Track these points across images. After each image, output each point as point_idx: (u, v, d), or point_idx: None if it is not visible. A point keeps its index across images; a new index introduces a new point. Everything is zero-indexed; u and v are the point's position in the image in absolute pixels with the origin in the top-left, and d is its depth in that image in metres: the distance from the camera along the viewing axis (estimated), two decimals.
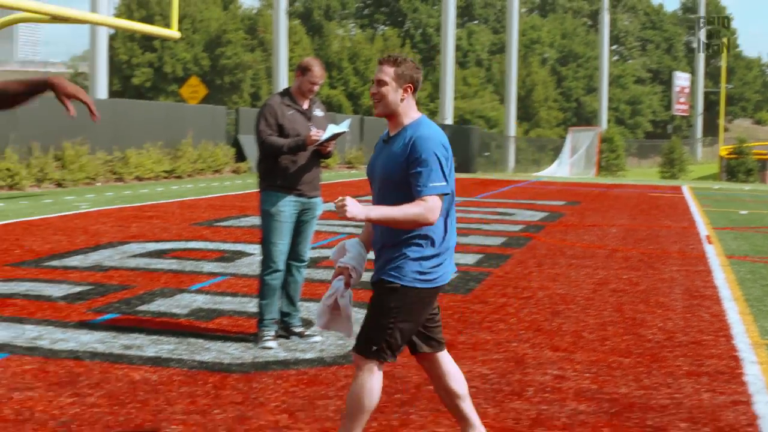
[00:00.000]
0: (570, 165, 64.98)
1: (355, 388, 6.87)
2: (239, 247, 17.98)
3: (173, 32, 26.73)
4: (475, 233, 21.48)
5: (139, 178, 36.67)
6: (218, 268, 15.66)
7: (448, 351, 10.47)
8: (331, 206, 7.37)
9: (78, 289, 13.42)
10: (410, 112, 6.80)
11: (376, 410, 8.25)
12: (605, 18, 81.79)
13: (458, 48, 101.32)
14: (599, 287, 14.98)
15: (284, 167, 10.47)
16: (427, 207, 6.53)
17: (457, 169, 52.55)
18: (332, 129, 10.52)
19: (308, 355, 10.22)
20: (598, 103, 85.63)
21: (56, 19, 22.86)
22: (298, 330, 10.84)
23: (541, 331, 11.70)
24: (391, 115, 6.79)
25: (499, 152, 66.72)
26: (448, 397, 7.14)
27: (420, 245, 6.71)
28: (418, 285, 6.74)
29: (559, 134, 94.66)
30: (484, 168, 59.79)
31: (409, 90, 6.75)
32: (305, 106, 10.70)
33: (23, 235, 18.68)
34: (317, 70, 10.58)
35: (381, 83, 6.73)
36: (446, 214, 6.78)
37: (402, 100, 6.74)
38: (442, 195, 6.59)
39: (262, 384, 9.07)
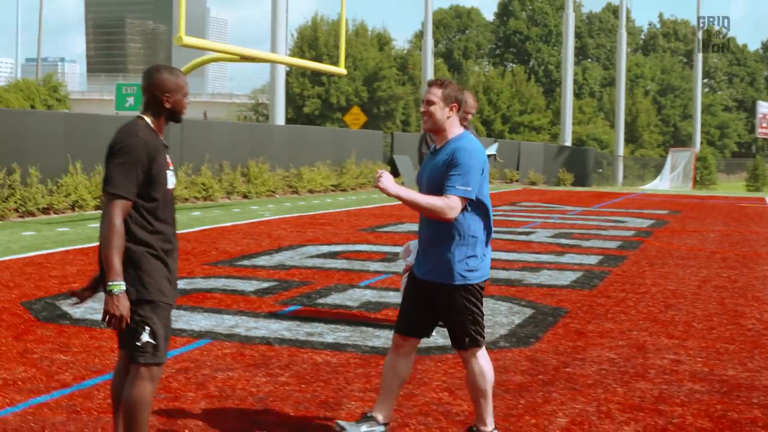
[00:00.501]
0: (670, 180, 64.24)
1: (472, 377, 6.74)
2: (398, 249, 17.88)
3: (340, 69, 26.81)
4: (595, 237, 21.21)
5: (311, 191, 36.84)
6: (382, 267, 15.60)
7: (580, 337, 10.36)
8: None
9: (266, 284, 13.45)
10: (454, 128, 6.68)
11: (521, 389, 8.17)
12: (698, 57, 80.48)
13: (575, 82, 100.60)
14: (703, 284, 14.68)
15: None
16: (448, 204, 6.39)
17: (576, 183, 52.71)
18: (491, 149, 10.44)
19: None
20: (692, 128, 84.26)
21: (244, 58, 23.06)
22: None
23: (657, 322, 11.47)
24: (438, 131, 6.66)
25: (609, 169, 66.17)
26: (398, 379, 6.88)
27: (464, 246, 6.52)
28: (468, 282, 6.54)
29: (659, 154, 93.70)
30: (597, 182, 59.37)
31: (454, 109, 6.63)
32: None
33: (217, 239, 18.82)
34: (471, 101, 10.34)
35: (430, 103, 6.60)
36: (485, 219, 6.64)
37: (448, 117, 6.63)
38: (465, 198, 6.41)
39: (425, 366, 8.98)
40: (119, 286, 5.42)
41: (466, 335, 6.64)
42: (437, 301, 6.64)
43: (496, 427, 6.80)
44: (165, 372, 8.45)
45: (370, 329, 10.60)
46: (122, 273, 5.45)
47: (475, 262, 6.54)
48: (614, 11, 79.66)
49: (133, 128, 5.62)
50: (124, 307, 5.45)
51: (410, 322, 6.80)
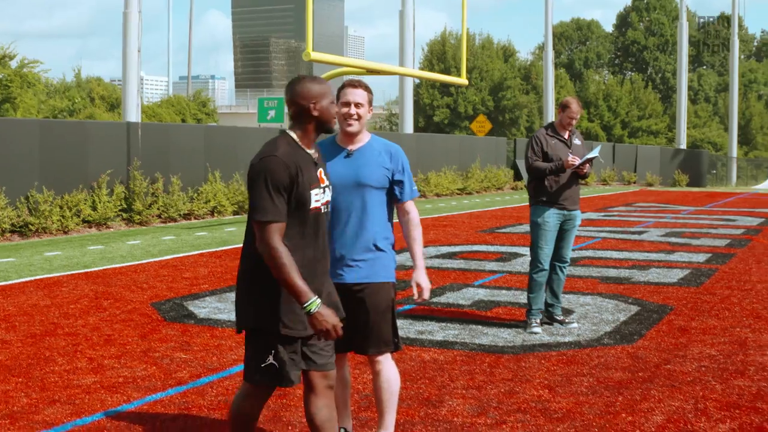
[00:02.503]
0: None
1: (387, 381, 6.12)
2: (515, 249, 17.55)
3: (462, 80, 26.42)
4: (705, 236, 20.55)
5: (437, 195, 36.61)
6: (497, 267, 15.26)
7: (683, 334, 9.92)
8: (587, 216, 6.78)
9: None
10: (365, 130, 6.08)
11: (621, 386, 7.78)
12: None
13: (690, 88, 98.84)
14: None
15: (549, 186, 10.19)
16: (417, 214, 6.22)
17: (690, 184, 51.57)
18: (585, 156, 10.19)
19: (567, 339, 9.75)
20: None
21: (370, 71, 22.85)
22: (559, 318, 10.43)
23: (760, 318, 10.94)
24: (359, 133, 5.98)
25: (723, 170, 64.62)
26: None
27: (390, 249, 6.08)
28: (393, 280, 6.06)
29: None
30: (711, 183, 58.02)
31: (371, 111, 6.04)
32: (566, 136, 10.39)
33: None
34: (574, 106, 10.28)
35: (359, 105, 5.90)
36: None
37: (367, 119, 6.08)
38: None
39: (529, 363, 8.65)
40: (314, 303, 4.87)
41: (395, 336, 6.16)
42: (364, 304, 5.96)
43: None
44: None
45: (479, 327, 10.29)
46: (308, 289, 4.90)
47: (395, 263, 6.13)
48: (728, 20, 77.91)
49: (271, 148, 5.02)
50: (328, 318, 4.91)
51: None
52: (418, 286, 6.13)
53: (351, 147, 6.01)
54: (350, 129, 5.94)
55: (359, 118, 5.93)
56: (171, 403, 7.23)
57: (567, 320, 10.46)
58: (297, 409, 7.06)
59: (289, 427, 6.67)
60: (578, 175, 10.29)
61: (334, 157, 5.97)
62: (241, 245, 5.22)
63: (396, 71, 26.41)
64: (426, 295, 6.14)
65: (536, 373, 8.25)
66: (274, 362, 5.07)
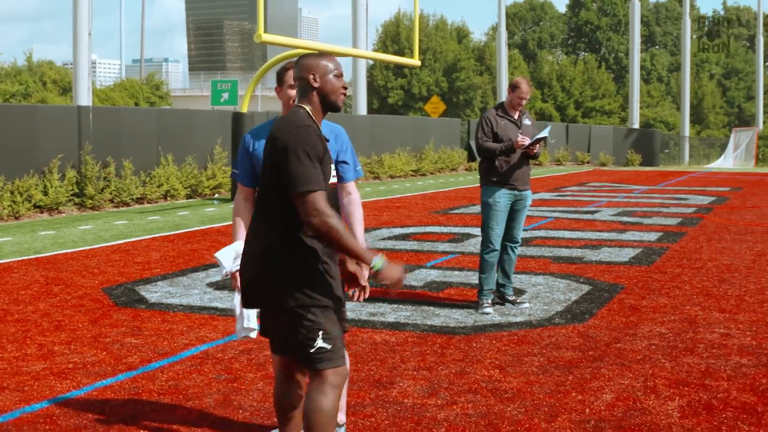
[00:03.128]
0: (734, 158, 62.76)
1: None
2: (467, 230, 17.58)
3: (415, 61, 26.34)
4: (656, 215, 20.69)
5: (391, 176, 36.56)
6: (450, 248, 15.28)
7: (634, 312, 9.97)
8: (541, 196, 6.81)
9: None
10: None
11: (571, 365, 7.81)
12: (760, 40, 78.77)
13: (643, 68, 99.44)
14: (758, 258, 14.15)
15: (499, 166, 10.19)
16: (356, 190, 6.18)
17: (643, 163, 51.90)
18: (535, 136, 10.21)
19: (518, 319, 9.78)
20: (755, 108, 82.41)
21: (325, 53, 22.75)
22: (510, 298, 10.46)
23: (710, 296, 11.02)
24: None
25: (676, 149, 64.93)
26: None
27: None
28: None
29: (725, 134, 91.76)
30: (664, 162, 58.35)
31: None
32: (516, 116, 10.38)
33: None
34: (524, 86, 10.30)
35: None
36: None
37: None
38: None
39: (480, 344, 8.66)
40: (381, 258, 4.79)
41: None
42: None
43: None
44: (228, 353, 8.25)
45: (431, 308, 10.31)
46: (366, 249, 4.86)
47: None
48: (680, 0, 78.27)
49: (297, 119, 4.87)
50: (394, 271, 4.84)
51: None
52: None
53: None
54: None
55: None
56: (121, 388, 7.18)
57: (518, 300, 10.48)
58: (247, 394, 7.04)
59: (240, 411, 6.65)
60: (529, 156, 10.29)
61: None
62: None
63: (349, 53, 26.31)
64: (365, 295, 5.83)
65: (487, 354, 8.27)
66: (323, 345, 4.89)
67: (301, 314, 4.84)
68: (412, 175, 38.26)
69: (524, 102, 10.35)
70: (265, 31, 18.78)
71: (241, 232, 5.84)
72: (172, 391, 7.09)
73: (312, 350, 4.85)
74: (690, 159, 64.30)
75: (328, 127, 5.85)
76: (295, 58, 5.34)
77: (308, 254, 4.87)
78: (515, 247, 10.53)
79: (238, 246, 5.70)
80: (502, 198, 10.18)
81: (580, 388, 7.19)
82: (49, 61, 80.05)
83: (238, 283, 5.69)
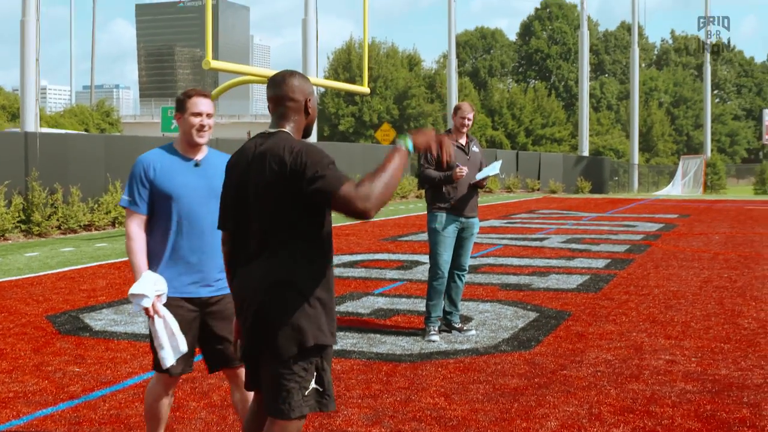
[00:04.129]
0: (682, 185, 63.49)
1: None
2: (416, 257, 17.55)
3: (364, 89, 26.42)
4: (605, 242, 20.77)
5: None
6: (398, 275, 15.25)
7: (581, 339, 9.97)
8: (490, 223, 6.78)
9: None
10: None
11: (517, 393, 7.79)
12: (707, 69, 79.61)
13: (592, 96, 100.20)
14: (704, 284, 14.23)
15: (446, 192, 10.13)
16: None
17: (593, 191, 52.22)
18: (486, 171, 10.28)
19: (464, 346, 9.75)
20: (703, 136, 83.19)
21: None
22: (457, 325, 10.42)
23: (656, 323, 11.06)
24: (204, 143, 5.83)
25: (625, 177, 65.51)
26: None
27: None
28: None
29: (673, 161, 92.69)
30: (614, 189, 58.84)
31: None
32: (463, 142, 10.32)
33: None
34: (465, 106, 10.31)
35: (210, 116, 5.79)
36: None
37: None
38: None
39: (426, 371, 8.62)
40: (404, 136, 4.52)
41: None
42: (221, 315, 5.83)
43: None
44: None
45: (377, 336, 10.25)
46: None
47: None
48: (628, 29, 78.74)
49: (293, 139, 4.60)
50: (429, 134, 4.59)
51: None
52: None
53: (197, 157, 5.84)
54: (201, 140, 5.79)
55: (209, 128, 5.81)
56: (62, 417, 7.07)
57: (465, 328, 10.43)
58: (189, 423, 6.96)
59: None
60: (476, 185, 10.29)
61: (178, 167, 5.77)
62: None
63: None
64: None
65: (433, 381, 8.23)
66: (317, 386, 4.61)
67: (306, 355, 4.55)
68: None
69: (468, 123, 10.27)
70: (216, 58, 18.75)
71: (144, 260, 5.68)
72: (114, 420, 6.99)
73: (306, 393, 4.59)
74: (639, 186, 64.86)
75: (221, 157, 5.86)
76: (206, 91, 5.30)
77: (318, 282, 4.59)
78: (462, 275, 10.50)
79: (149, 275, 5.60)
80: (448, 224, 10.12)
81: (525, 415, 7.16)
82: None
83: (159, 310, 5.56)
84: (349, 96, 75.99)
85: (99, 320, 11.08)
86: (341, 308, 11.95)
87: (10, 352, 9.38)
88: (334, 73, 78.13)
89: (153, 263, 5.72)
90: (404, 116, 79.53)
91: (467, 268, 10.57)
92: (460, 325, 10.46)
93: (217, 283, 5.78)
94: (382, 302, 12.54)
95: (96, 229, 24.18)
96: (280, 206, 4.52)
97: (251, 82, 23.08)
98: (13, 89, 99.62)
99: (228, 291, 5.69)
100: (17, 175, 22.59)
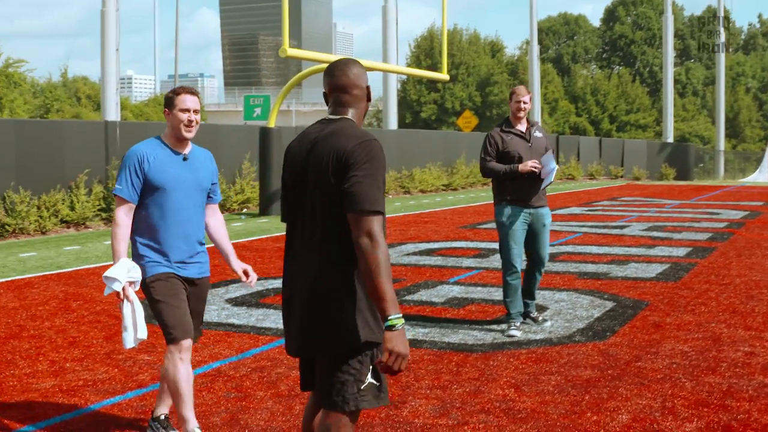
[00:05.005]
0: None
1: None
2: (494, 245, 17.37)
3: (443, 75, 26.26)
4: (687, 230, 20.42)
5: (422, 191, 36.47)
6: (474, 263, 15.11)
7: (657, 330, 9.77)
8: (571, 210, 6.67)
9: None
10: None
11: (589, 385, 7.64)
12: None
13: (678, 82, 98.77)
14: None
15: (511, 185, 9.76)
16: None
17: (678, 178, 51.42)
18: (549, 179, 9.75)
19: (538, 336, 9.59)
20: None
21: None
22: (533, 315, 10.15)
23: (736, 313, 10.79)
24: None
25: (711, 163, 64.55)
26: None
27: None
28: None
29: (761, 147, 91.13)
30: (699, 176, 57.91)
31: None
32: (523, 128, 9.91)
33: None
34: (520, 89, 9.91)
35: (197, 112, 6.18)
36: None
37: None
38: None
39: (497, 362, 8.49)
40: (401, 318, 4.19)
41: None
42: (200, 295, 6.39)
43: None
44: (240, 371, 8.14)
45: (450, 325, 10.15)
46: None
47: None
48: (715, 13, 77.66)
49: (361, 131, 4.47)
50: (404, 343, 4.19)
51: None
52: (246, 272, 6.38)
53: (185, 152, 6.22)
54: (189, 135, 6.15)
55: (196, 123, 6.18)
56: (129, 406, 7.08)
57: (541, 318, 10.20)
58: (255, 413, 6.92)
59: (245, 431, 6.52)
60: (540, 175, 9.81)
61: (170, 161, 6.15)
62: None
63: (375, 67, 26.26)
64: (255, 278, 6.40)
65: (503, 372, 8.10)
66: (373, 380, 4.47)
67: (359, 351, 4.42)
68: (443, 190, 38.12)
69: (524, 106, 9.82)
70: (298, 46, 18.81)
71: (125, 247, 6.03)
72: None
73: (363, 386, 4.44)
74: (725, 173, 63.84)
75: (204, 152, 6.43)
76: (193, 89, 5.82)
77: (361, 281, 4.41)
78: (543, 268, 10.14)
79: (125, 261, 5.95)
80: (515, 217, 9.75)
81: (596, 408, 7.01)
82: (83, 77, 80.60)
83: (129, 295, 5.93)
84: (431, 83, 75.82)
85: None
86: (414, 297, 11.87)
87: (82, 340, 9.43)
88: (416, 60, 78.04)
89: (142, 247, 6.13)
90: (486, 103, 79.21)
91: (545, 260, 10.13)
92: (535, 314, 10.20)
93: (197, 266, 6.27)
94: (456, 291, 12.42)
95: None
96: (337, 196, 4.37)
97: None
98: (98, 79, 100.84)
99: (207, 274, 6.36)
100: (98, 163, 22.82)
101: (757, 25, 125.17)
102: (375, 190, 4.27)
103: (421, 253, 16.38)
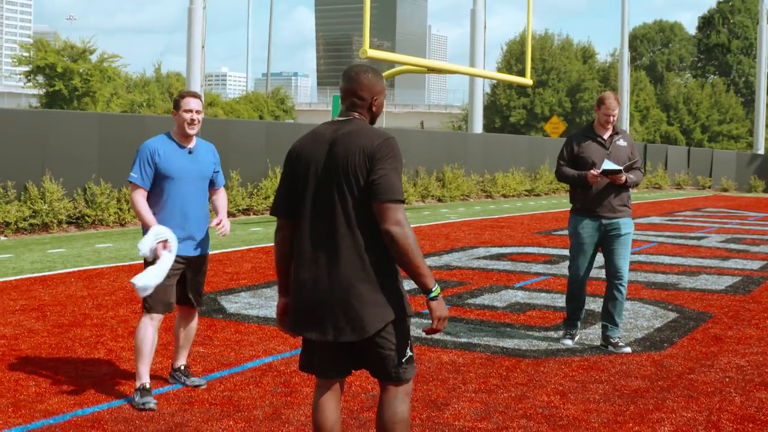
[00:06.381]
0: None
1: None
2: (565, 252, 17.29)
3: (527, 80, 26.18)
4: (765, 243, 20.08)
5: (504, 195, 36.37)
6: (543, 269, 15.07)
7: (716, 343, 9.66)
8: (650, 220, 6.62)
9: None
10: None
11: (636, 395, 7.60)
12: None
13: None
14: None
15: (582, 193, 9.43)
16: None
17: (766, 190, 50.27)
18: (607, 164, 9.23)
19: (594, 344, 9.55)
20: None
21: (431, 70, 22.76)
22: (614, 340, 9.42)
23: None
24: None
25: None
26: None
27: None
28: None
29: None
30: None
31: None
32: (605, 136, 9.50)
33: None
34: (610, 101, 9.37)
35: (199, 112, 7.27)
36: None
37: None
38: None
39: (548, 368, 8.48)
40: (439, 288, 4.78)
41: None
42: (201, 271, 7.58)
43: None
44: (291, 366, 8.24)
45: (507, 330, 10.15)
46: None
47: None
48: None
49: (378, 129, 4.87)
50: (444, 308, 4.80)
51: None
52: (220, 222, 7.45)
53: (190, 146, 7.32)
54: (192, 132, 7.27)
55: (198, 122, 7.28)
56: (175, 397, 7.22)
57: (620, 343, 9.42)
58: (299, 408, 7.00)
59: (286, 425, 6.60)
60: (618, 184, 9.35)
61: (177, 154, 7.25)
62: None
63: (457, 70, 26.27)
64: (227, 227, 7.49)
65: (552, 379, 8.09)
66: (411, 354, 4.94)
67: (398, 325, 4.84)
68: (526, 195, 37.99)
69: (612, 119, 9.43)
70: (394, 48, 19.04)
71: (152, 215, 7.11)
72: (224, 402, 7.10)
73: (404, 359, 4.88)
74: None
75: (207, 145, 7.51)
76: (196, 92, 6.55)
77: (391, 259, 4.80)
78: (620, 285, 9.41)
79: (153, 229, 6.96)
80: (585, 228, 9.39)
81: (639, 419, 6.98)
82: (176, 73, 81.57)
83: (169, 246, 6.96)
84: (521, 88, 75.52)
85: (235, 303, 11.27)
86: (477, 300, 11.88)
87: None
88: (506, 64, 77.78)
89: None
90: (576, 109, 78.69)
91: (625, 277, 9.43)
92: (616, 339, 9.42)
93: (200, 245, 7.39)
94: (520, 296, 12.40)
95: (254, 214, 24.60)
96: (362, 188, 4.72)
97: (410, 71, 23.17)
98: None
99: (207, 252, 7.52)
100: None
101: None
102: (399, 182, 4.72)
103: (492, 257, 16.36)
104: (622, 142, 9.56)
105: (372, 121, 5.03)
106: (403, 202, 4.70)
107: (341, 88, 5.01)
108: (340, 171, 4.74)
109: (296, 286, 4.91)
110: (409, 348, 4.89)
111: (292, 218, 4.96)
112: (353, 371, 5.06)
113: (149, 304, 7.12)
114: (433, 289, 4.73)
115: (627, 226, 9.43)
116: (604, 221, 9.35)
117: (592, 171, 9.24)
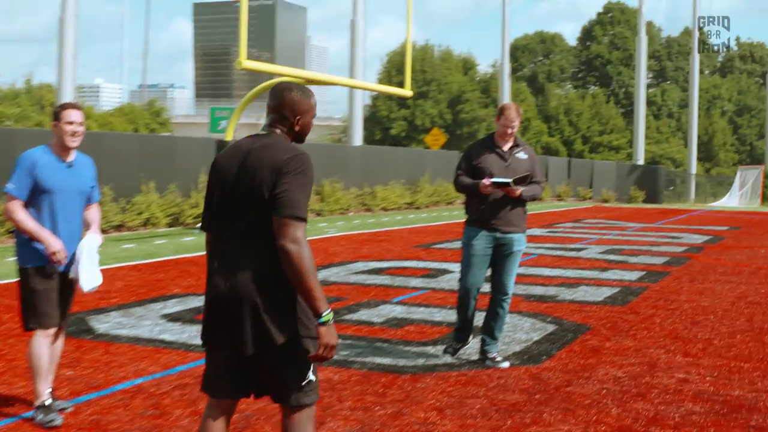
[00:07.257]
0: (739, 197, 62.51)
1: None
2: (444, 265, 17.40)
3: (407, 91, 26.31)
4: (644, 254, 20.54)
5: (384, 209, 36.45)
6: (421, 283, 15.13)
7: (594, 354, 9.77)
8: (530, 232, 6.75)
9: None
10: None
11: (513, 409, 7.66)
12: None
13: (653, 103, 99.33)
14: (738, 300, 13.99)
15: (477, 204, 9.35)
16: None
17: (647, 200, 51.62)
18: (497, 178, 9.17)
19: (471, 359, 9.60)
20: (766, 146, 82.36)
21: (309, 82, 22.73)
22: (491, 356, 9.45)
23: (677, 339, 10.86)
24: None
25: (683, 186, 64.80)
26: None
27: None
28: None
29: (735, 172, 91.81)
30: (670, 199, 58.11)
31: None
32: (505, 147, 9.42)
33: None
34: (510, 113, 9.29)
35: (82, 124, 7.11)
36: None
37: None
38: None
39: (425, 384, 8.50)
40: (331, 313, 4.72)
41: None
42: (71, 287, 7.31)
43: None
44: (162, 388, 8.13)
45: (384, 346, 10.16)
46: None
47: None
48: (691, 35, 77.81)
49: (295, 145, 4.92)
50: (334, 335, 4.74)
51: None
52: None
53: (69, 159, 7.16)
54: (74, 144, 7.11)
55: (80, 135, 7.12)
56: (39, 423, 7.05)
57: (498, 359, 9.44)
58: (169, 430, 6.91)
59: None
60: (513, 197, 9.30)
61: (55, 167, 7.08)
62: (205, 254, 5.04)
63: (336, 81, 26.29)
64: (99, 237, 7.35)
65: (430, 395, 8.11)
66: (312, 378, 4.90)
67: (298, 346, 4.79)
68: (406, 208, 38.09)
69: (511, 131, 9.33)
70: (274, 59, 18.93)
71: (38, 224, 6.99)
72: (93, 426, 6.97)
73: (304, 383, 4.85)
74: (697, 197, 64.08)
75: (86, 159, 7.39)
76: (78, 103, 6.57)
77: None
78: (504, 300, 9.48)
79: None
80: (479, 240, 9.30)
81: None
82: (48, 84, 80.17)
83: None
84: (402, 99, 75.92)
85: (105, 323, 11.09)
86: (354, 316, 11.87)
87: (7, 354, 9.40)
88: (387, 75, 78.09)
89: (27, 239, 7.01)
90: (457, 121, 79.45)
91: (509, 293, 9.52)
92: (494, 354, 9.45)
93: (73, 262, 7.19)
94: (398, 311, 12.42)
95: (127, 230, 24.27)
96: (267, 202, 4.73)
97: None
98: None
99: None
100: None
101: (735, 48, 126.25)
102: (303, 199, 4.70)
103: (370, 271, 16.37)
104: (522, 155, 9.51)
105: (297, 140, 5.06)
106: (305, 220, 4.67)
107: (267, 104, 5.06)
108: (248, 183, 4.80)
109: (205, 298, 4.95)
110: (311, 371, 4.87)
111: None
112: (253, 397, 5.03)
113: (38, 319, 7.00)
114: (324, 314, 4.67)
115: (519, 242, 9.45)
116: (497, 234, 9.30)
117: (483, 181, 9.17)
